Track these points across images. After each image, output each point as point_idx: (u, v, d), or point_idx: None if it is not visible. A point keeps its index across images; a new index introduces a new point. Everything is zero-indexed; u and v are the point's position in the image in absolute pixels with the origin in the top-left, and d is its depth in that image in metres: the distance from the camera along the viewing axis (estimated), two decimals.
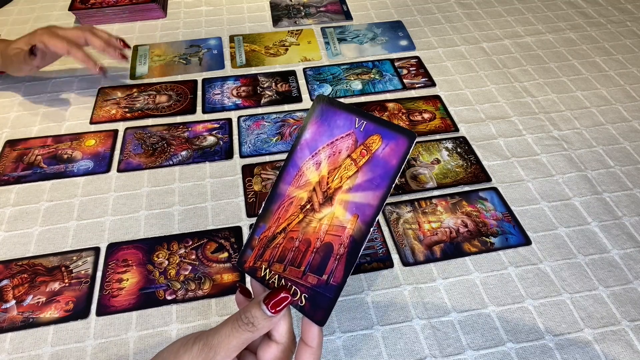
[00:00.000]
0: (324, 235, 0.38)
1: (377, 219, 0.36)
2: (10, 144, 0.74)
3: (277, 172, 0.57)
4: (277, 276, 0.39)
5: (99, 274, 0.59)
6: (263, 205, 0.42)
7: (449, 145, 0.74)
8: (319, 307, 0.37)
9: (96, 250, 0.61)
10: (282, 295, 0.36)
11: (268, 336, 0.38)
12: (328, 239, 0.38)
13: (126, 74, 0.88)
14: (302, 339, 0.38)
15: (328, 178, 0.38)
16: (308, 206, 0.39)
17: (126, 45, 0.82)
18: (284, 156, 0.72)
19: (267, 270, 0.40)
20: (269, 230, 0.41)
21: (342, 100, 0.81)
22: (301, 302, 0.38)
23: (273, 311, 0.36)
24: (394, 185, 0.36)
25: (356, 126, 0.38)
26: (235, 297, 0.42)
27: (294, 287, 0.38)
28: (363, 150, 0.37)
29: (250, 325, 0.35)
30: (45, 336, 0.54)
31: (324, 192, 0.38)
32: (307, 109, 0.79)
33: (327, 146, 0.39)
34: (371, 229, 0.36)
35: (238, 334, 0.35)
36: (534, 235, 0.63)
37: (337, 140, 0.38)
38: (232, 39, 0.96)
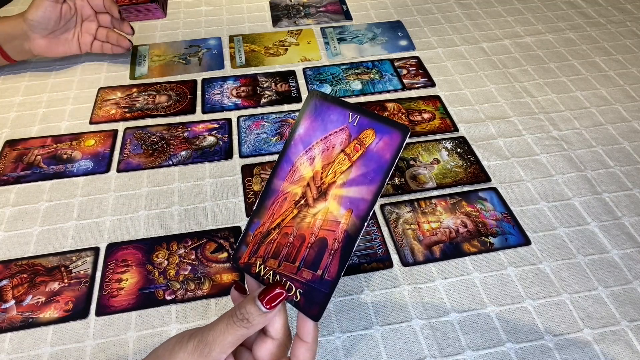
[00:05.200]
0: (319, 231, 0.38)
1: (371, 214, 0.36)
2: (10, 144, 0.75)
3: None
4: (271, 272, 0.39)
5: (98, 274, 0.59)
6: (257, 201, 0.42)
7: (449, 145, 0.74)
8: (314, 303, 0.37)
9: (96, 250, 0.61)
10: (277, 291, 0.36)
11: (263, 332, 0.38)
12: (322, 234, 0.38)
13: (126, 74, 0.88)
14: (297, 334, 0.38)
15: (322, 173, 0.38)
16: (302, 201, 0.39)
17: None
18: None
19: (262, 266, 0.40)
20: (263, 226, 0.41)
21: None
22: (296, 297, 0.38)
23: (268, 307, 0.36)
24: (388, 180, 0.36)
25: (350, 121, 0.38)
26: (230, 293, 0.42)
27: (288, 282, 0.38)
28: (357, 145, 0.37)
29: (245, 322, 0.35)
30: (45, 336, 0.54)
31: (318, 187, 0.38)
32: None
33: (321, 141, 0.39)
34: (365, 224, 0.36)
35: (233, 330, 0.35)
36: (534, 235, 0.63)
37: (330, 135, 0.38)
38: (231, 39, 0.96)
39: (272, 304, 0.36)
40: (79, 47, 0.86)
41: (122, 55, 0.91)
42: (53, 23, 0.81)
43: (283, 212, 0.40)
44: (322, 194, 0.38)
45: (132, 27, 0.88)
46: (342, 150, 0.38)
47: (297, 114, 0.79)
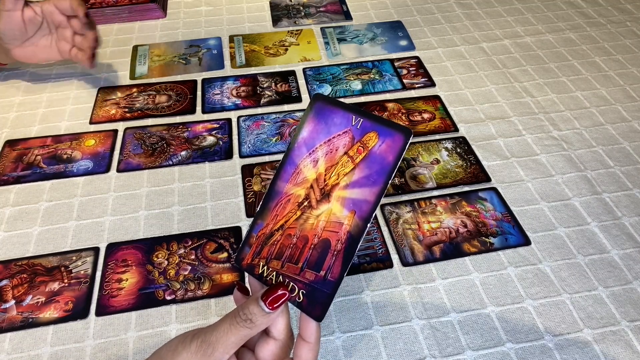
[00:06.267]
0: (322, 232, 0.38)
1: (374, 215, 0.36)
2: (10, 144, 0.74)
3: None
4: (274, 273, 0.39)
5: (98, 274, 0.59)
6: (261, 202, 0.42)
7: (449, 145, 0.74)
8: (316, 303, 0.37)
9: (95, 250, 0.61)
10: (280, 291, 0.36)
11: (266, 333, 0.38)
12: (325, 235, 0.38)
13: (126, 74, 0.88)
14: (300, 335, 0.38)
15: (325, 175, 0.39)
16: (305, 203, 0.39)
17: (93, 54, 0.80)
18: None
19: (265, 267, 0.40)
20: (267, 227, 0.41)
21: (341, 100, 0.81)
22: (299, 298, 0.38)
23: (271, 308, 0.36)
24: (390, 182, 0.36)
25: (353, 123, 0.38)
26: (233, 294, 0.42)
27: (291, 283, 0.38)
28: (360, 147, 0.37)
29: (249, 322, 0.35)
30: (45, 336, 0.54)
31: (322, 189, 0.38)
32: None
33: (324, 144, 0.39)
34: (368, 225, 0.36)
35: (236, 330, 0.35)
36: (534, 235, 0.63)
37: (334, 137, 0.39)
38: (231, 39, 0.96)
39: (275, 305, 0.36)
40: (59, 53, 0.81)
41: (122, 55, 0.91)
42: (18, 32, 0.76)
43: (286, 213, 0.40)
44: (326, 195, 0.38)
45: (97, 39, 0.79)
46: (346, 153, 0.38)
47: (297, 114, 0.79)
